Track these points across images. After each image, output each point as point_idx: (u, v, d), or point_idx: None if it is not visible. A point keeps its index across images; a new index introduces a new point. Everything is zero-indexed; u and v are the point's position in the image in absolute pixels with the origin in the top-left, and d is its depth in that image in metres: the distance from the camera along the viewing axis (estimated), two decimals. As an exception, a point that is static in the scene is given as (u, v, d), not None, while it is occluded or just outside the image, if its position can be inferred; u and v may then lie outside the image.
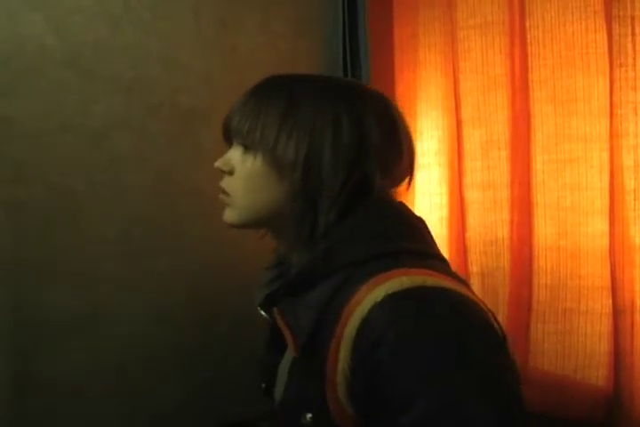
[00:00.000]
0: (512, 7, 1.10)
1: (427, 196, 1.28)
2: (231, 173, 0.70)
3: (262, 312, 0.74)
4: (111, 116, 1.16)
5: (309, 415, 0.62)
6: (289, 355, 0.68)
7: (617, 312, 0.96)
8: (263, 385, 0.76)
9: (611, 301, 0.97)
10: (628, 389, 0.95)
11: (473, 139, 1.18)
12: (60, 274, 1.11)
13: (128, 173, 1.18)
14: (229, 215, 0.71)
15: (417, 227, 0.71)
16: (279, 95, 0.67)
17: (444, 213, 1.25)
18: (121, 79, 1.17)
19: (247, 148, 0.68)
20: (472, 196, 1.19)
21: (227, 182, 0.70)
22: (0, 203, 1.06)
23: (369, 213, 0.68)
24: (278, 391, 0.71)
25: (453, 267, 1.25)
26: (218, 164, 0.70)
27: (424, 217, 1.37)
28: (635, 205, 0.93)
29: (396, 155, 0.71)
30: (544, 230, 1.07)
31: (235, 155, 0.70)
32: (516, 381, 0.60)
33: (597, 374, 1.00)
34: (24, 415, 1.08)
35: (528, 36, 1.07)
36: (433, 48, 1.25)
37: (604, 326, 0.99)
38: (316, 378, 0.62)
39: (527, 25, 1.07)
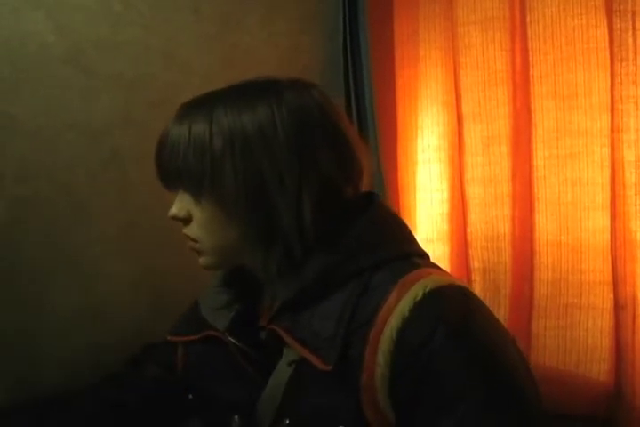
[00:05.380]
0: (512, 2, 1.10)
1: (427, 191, 1.28)
2: (189, 220, 0.68)
3: (231, 339, 0.70)
4: (113, 113, 1.16)
5: None
6: (281, 375, 0.65)
7: (618, 307, 0.96)
8: (236, 417, 0.69)
9: (612, 296, 0.97)
10: (630, 383, 0.95)
11: (474, 134, 1.18)
12: (63, 271, 1.12)
13: (130, 170, 1.18)
14: (203, 261, 0.70)
15: (407, 226, 0.72)
16: (202, 140, 0.64)
17: (445, 208, 1.25)
18: (122, 76, 1.17)
19: (194, 194, 0.66)
20: (473, 191, 1.19)
21: (188, 230, 0.69)
22: (3, 200, 1.07)
23: (370, 218, 0.67)
24: (266, 417, 0.66)
25: (455, 262, 1.25)
26: (173, 213, 0.68)
27: (425, 213, 1.37)
28: (636, 199, 0.94)
29: (345, 150, 0.68)
30: (545, 226, 1.07)
31: (186, 201, 0.67)
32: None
33: (599, 368, 1.01)
34: (24, 414, 1.08)
35: (529, 32, 1.07)
36: (433, 44, 1.25)
37: (606, 321, 0.99)
38: (347, 388, 0.60)
39: (528, 20, 1.06)
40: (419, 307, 0.59)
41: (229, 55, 1.28)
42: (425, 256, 0.70)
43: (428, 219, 1.27)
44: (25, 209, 1.08)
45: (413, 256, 0.67)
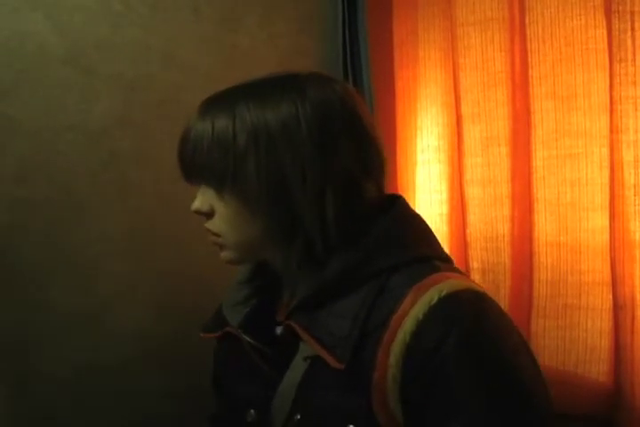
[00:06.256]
0: (512, 3, 1.10)
1: (427, 192, 1.29)
2: (212, 214, 0.68)
3: (244, 335, 0.70)
4: (112, 114, 1.16)
5: None
6: (297, 370, 0.65)
7: (617, 307, 0.96)
8: (252, 411, 0.70)
9: (611, 296, 0.97)
10: (629, 384, 0.95)
11: (473, 135, 1.18)
12: (63, 271, 1.12)
13: (130, 171, 1.18)
14: (226, 255, 0.70)
15: (431, 230, 0.72)
16: (226, 136, 0.63)
17: (445, 209, 1.25)
18: (122, 77, 1.17)
19: (217, 189, 0.66)
20: (472, 192, 1.19)
21: (211, 224, 0.69)
22: (3, 201, 1.07)
23: (392, 219, 0.67)
24: (281, 412, 0.66)
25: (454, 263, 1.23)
26: (196, 207, 0.68)
27: (424, 214, 1.37)
28: (635, 200, 0.93)
29: (367, 146, 0.67)
30: (544, 226, 1.07)
31: (209, 196, 0.67)
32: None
33: (598, 369, 1.01)
34: (24, 414, 1.09)
35: (528, 33, 1.07)
36: (432, 45, 1.25)
37: (605, 322, 0.99)
38: (358, 388, 0.60)
39: (527, 21, 1.06)
40: (433, 311, 0.59)
41: (229, 55, 1.29)
42: (448, 260, 0.70)
43: (427, 220, 1.26)
44: (25, 210, 1.08)
45: (434, 259, 0.67)
